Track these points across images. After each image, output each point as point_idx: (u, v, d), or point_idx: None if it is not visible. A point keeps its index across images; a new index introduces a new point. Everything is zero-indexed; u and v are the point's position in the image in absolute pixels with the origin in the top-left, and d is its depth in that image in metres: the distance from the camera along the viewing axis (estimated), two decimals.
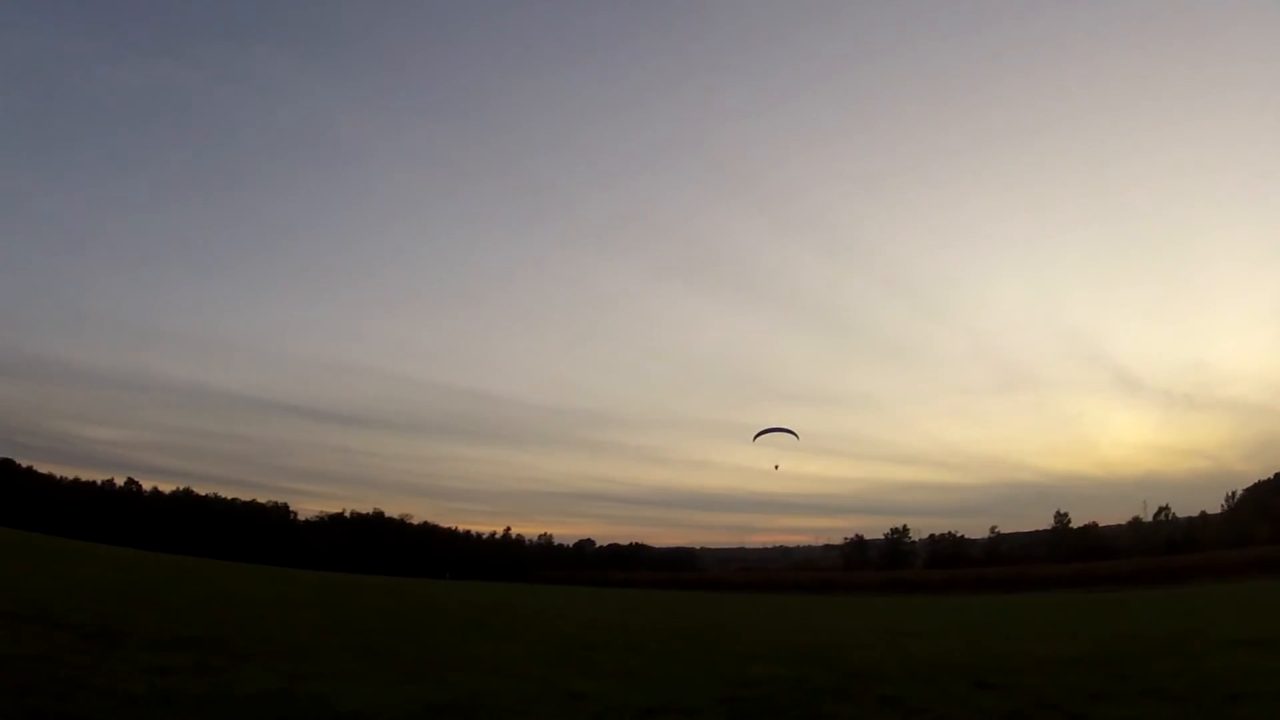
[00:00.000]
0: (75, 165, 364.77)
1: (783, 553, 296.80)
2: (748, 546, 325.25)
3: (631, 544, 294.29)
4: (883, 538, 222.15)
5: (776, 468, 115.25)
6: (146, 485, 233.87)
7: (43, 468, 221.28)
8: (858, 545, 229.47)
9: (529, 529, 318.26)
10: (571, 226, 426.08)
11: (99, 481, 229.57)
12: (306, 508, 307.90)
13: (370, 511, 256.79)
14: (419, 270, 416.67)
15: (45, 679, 15.57)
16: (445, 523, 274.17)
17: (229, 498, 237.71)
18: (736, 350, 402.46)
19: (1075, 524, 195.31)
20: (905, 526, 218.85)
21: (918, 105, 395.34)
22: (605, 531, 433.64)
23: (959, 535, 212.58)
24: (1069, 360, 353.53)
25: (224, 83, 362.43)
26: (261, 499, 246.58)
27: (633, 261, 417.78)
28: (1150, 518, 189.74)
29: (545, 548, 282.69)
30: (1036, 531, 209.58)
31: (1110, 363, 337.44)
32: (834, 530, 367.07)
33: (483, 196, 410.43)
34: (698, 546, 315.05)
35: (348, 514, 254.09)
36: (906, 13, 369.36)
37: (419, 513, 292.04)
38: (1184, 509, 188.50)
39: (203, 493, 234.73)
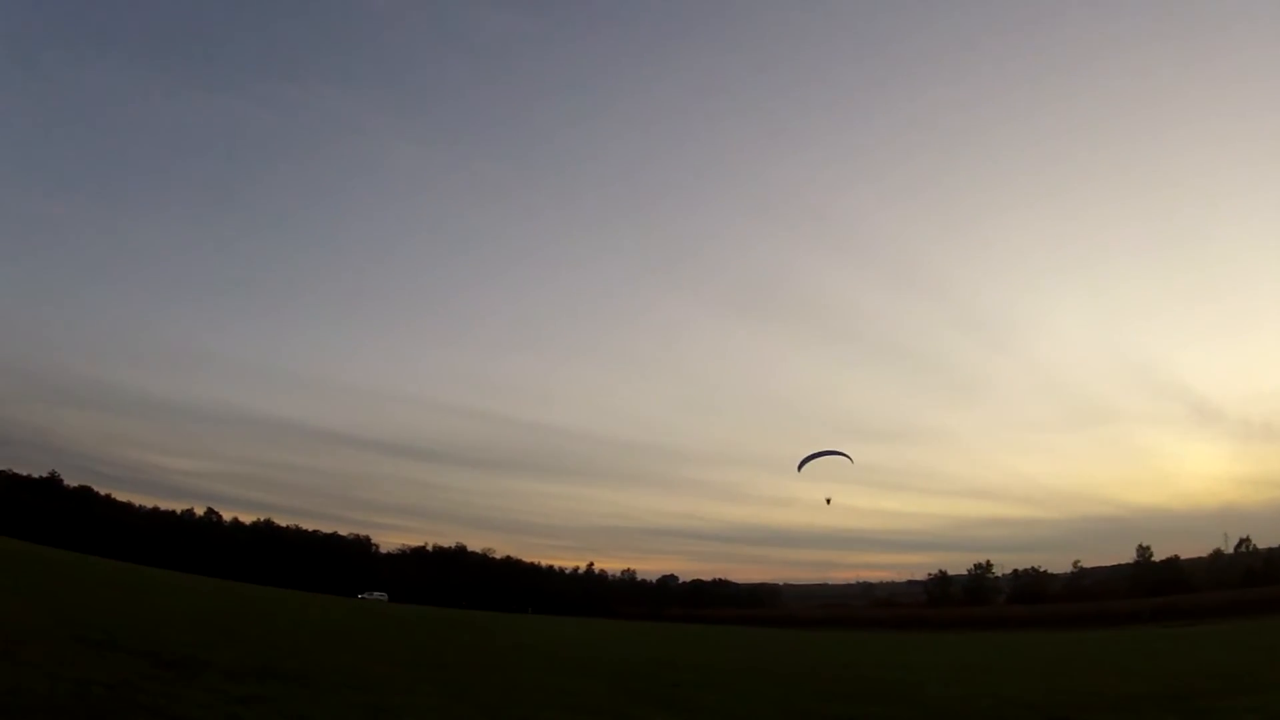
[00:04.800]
0: (149, 200, 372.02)
1: (865, 589, 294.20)
2: (830, 583, 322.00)
3: (714, 580, 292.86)
4: (966, 573, 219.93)
5: (828, 501, 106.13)
6: (226, 516, 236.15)
7: (121, 496, 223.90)
8: (941, 581, 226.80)
9: (612, 564, 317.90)
10: (654, 271, 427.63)
11: (178, 511, 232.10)
12: (388, 541, 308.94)
13: (452, 545, 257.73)
14: (499, 306, 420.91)
15: (124, 706, 15.49)
16: (528, 558, 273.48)
17: (310, 529, 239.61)
18: (811, 386, 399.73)
19: (1157, 557, 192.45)
20: (988, 562, 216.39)
21: (979, 136, 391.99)
22: (688, 567, 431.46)
23: (1041, 570, 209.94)
24: (1144, 392, 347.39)
25: (289, 118, 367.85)
26: (343, 531, 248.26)
27: (707, 298, 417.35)
28: (1231, 549, 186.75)
29: (628, 583, 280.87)
30: (1118, 565, 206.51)
31: (1185, 392, 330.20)
32: (917, 566, 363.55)
33: (569, 240, 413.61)
34: (780, 583, 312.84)
35: (429, 548, 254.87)
36: (963, 42, 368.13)
37: (501, 548, 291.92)
38: (1266, 540, 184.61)
39: (283, 524, 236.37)
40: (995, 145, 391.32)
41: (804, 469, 78.91)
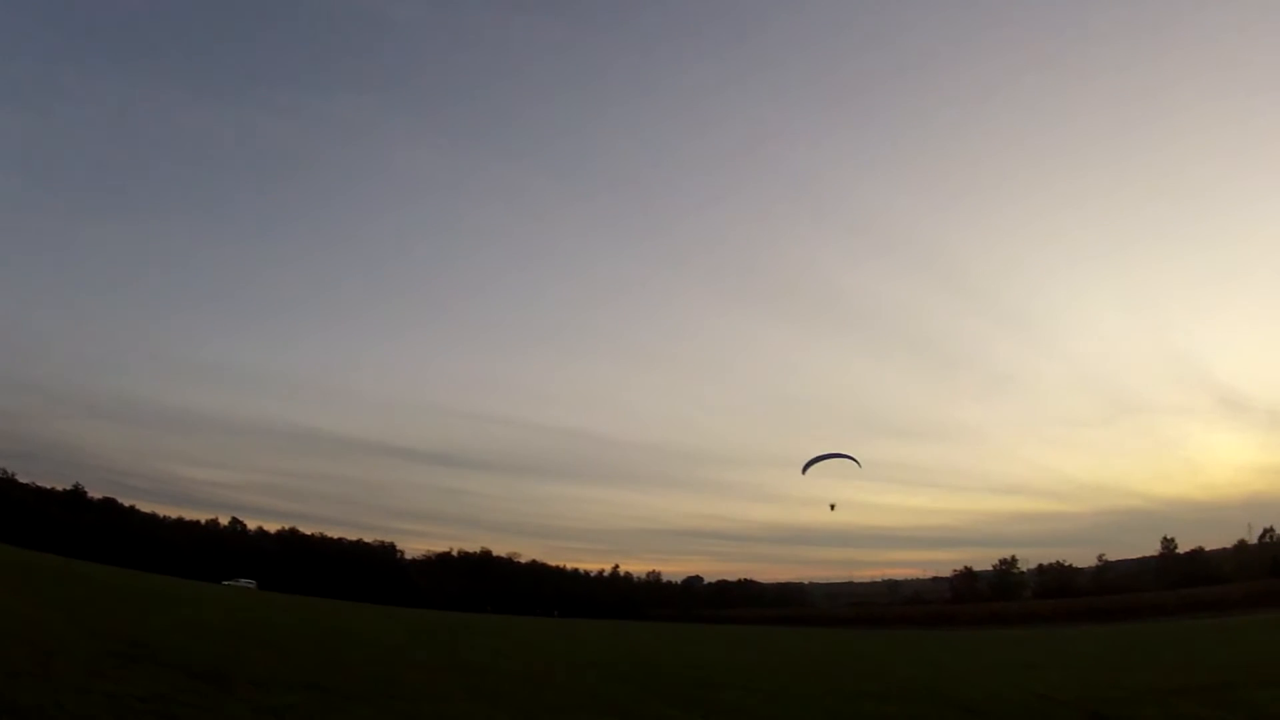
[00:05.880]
0: (174, 215, 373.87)
1: (891, 586, 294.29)
2: (856, 580, 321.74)
3: (740, 580, 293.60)
4: (991, 569, 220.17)
5: (833, 508, 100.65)
6: (251, 525, 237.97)
7: (145, 507, 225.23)
8: (966, 577, 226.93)
9: (637, 566, 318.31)
10: (672, 266, 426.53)
11: (203, 521, 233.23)
12: (414, 547, 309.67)
13: (478, 551, 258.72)
14: (521, 310, 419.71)
15: (158, 719, 15.81)
16: (553, 561, 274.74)
17: (335, 537, 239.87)
18: (838, 385, 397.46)
19: (1182, 549, 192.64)
20: (1014, 557, 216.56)
21: (1002, 121, 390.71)
22: (713, 568, 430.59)
23: (1067, 564, 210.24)
24: (1172, 383, 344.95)
25: (295, 124, 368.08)
26: (368, 539, 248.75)
27: (727, 295, 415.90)
28: (1255, 540, 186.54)
29: (654, 585, 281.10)
30: (1144, 558, 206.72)
31: (1213, 384, 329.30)
32: (943, 563, 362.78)
33: (585, 237, 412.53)
34: (806, 581, 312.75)
35: (455, 553, 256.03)
36: (981, 26, 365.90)
37: (526, 552, 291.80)
38: None
39: (309, 532, 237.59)
40: (1020, 131, 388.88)
41: (809, 471, 77.86)
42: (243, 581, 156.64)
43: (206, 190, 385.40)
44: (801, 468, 77.84)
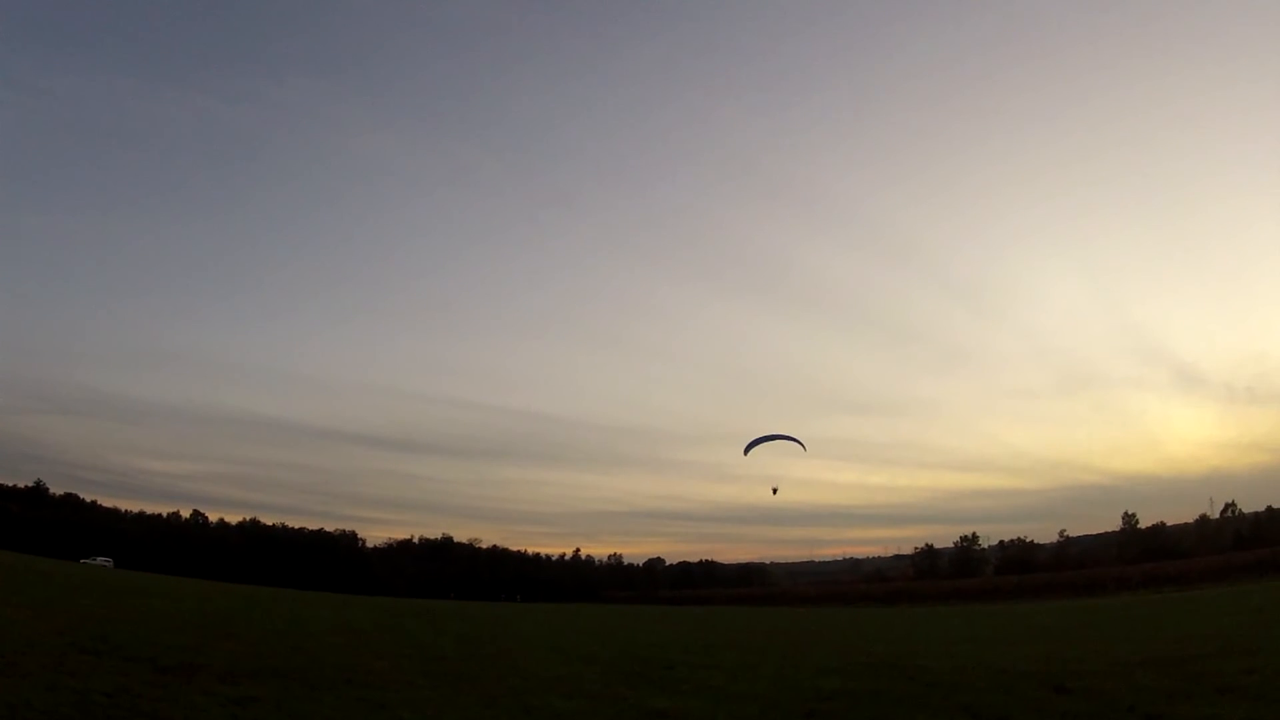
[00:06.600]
0: (128, 203, 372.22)
1: (853, 564, 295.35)
2: (817, 559, 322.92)
3: (701, 561, 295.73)
4: (953, 546, 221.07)
5: (775, 492, 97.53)
6: (213, 517, 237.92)
7: (107, 502, 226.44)
8: (928, 554, 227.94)
9: (598, 550, 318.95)
10: (631, 247, 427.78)
11: (164, 514, 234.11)
12: (375, 535, 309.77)
13: (439, 537, 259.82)
14: (480, 297, 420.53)
15: (125, 714, 15.58)
16: (514, 546, 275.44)
17: (296, 527, 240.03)
18: (798, 363, 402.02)
19: (1143, 524, 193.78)
20: (975, 534, 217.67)
21: (971, 111, 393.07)
22: (675, 550, 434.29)
23: (1028, 540, 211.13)
24: (1129, 357, 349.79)
25: (244, 109, 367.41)
26: (329, 527, 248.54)
27: (693, 279, 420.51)
28: (1217, 514, 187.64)
29: (615, 568, 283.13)
30: (1105, 533, 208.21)
31: (1170, 358, 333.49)
32: (904, 540, 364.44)
33: (534, 218, 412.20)
34: (768, 561, 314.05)
35: (416, 540, 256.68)
36: (950, 5, 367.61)
37: (487, 537, 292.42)
38: (1251, 504, 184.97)
39: (269, 523, 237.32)
40: (973, 105, 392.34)
41: (751, 453, 76.87)
42: (99, 559, 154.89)
43: (156, 177, 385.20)
44: (744, 449, 77.02)
